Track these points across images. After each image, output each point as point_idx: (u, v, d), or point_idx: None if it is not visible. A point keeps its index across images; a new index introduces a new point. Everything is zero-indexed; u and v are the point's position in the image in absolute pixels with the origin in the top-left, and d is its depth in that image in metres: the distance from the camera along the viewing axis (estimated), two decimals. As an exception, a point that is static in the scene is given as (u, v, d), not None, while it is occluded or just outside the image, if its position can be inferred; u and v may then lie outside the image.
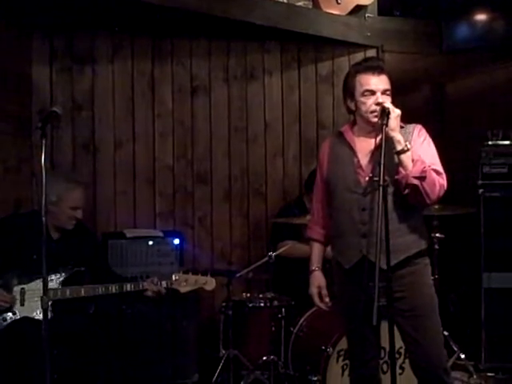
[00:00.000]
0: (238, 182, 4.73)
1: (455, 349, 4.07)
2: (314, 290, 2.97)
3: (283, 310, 3.88)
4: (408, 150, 2.66)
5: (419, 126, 2.83)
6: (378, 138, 2.66)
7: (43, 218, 2.69)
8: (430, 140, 2.81)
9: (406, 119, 2.81)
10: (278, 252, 3.91)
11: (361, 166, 2.79)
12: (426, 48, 5.09)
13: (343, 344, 3.19)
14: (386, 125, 2.62)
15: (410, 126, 2.82)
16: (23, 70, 4.21)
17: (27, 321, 3.21)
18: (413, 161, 2.66)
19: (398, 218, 2.73)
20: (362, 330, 2.78)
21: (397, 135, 2.66)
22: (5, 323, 3.21)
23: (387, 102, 2.72)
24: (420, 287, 2.79)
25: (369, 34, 4.86)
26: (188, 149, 4.61)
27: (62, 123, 4.23)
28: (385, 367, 3.31)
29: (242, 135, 4.74)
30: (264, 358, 3.77)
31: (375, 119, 2.70)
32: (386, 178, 2.56)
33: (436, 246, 4.13)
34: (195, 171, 4.63)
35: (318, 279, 2.97)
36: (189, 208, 4.61)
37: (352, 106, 2.81)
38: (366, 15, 4.86)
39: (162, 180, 4.55)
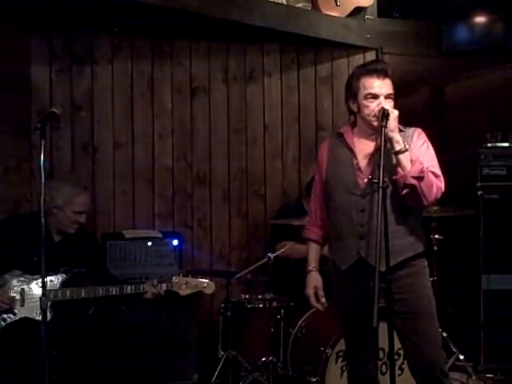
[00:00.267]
0: (237, 183, 4.73)
1: (454, 350, 4.08)
2: (310, 291, 2.97)
3: (282, 311, 3.88)
4: (406, 150, 2.67)
5: (419, 130, 2.84)
6: (378, 141, 2.66)
7: (42, 220, 2.69)
8: (430, 144, 2.82)
9: (406, 121, 2.82)
10: (276, 253, 3.91)
11: (360, 168, 2.79)
12: (426, 50, 5.09)
13: (342, 345, 3.18)
14: (385, 126, 2.63)
15: (410, 130, 2.83)
16: (22, 71, 4.21)
17: (27, 321, 3.21)
18: (411, 161, 2.67)
19: (395, 220, 2.73)
20: (360, 331, 2.78)
21: (396, 135, 2.67)
22: (4, 324, 3.21)
23: (388, 105, 2.71)
24: (418, 289, 2.79)
25: (368, 35, 4.87)
26: (187, 150, 4.62)
27: (61, 124, 4.23)
28: (384, 368, 3.32)
29: (241, 136, 4.75)
30: (263, 359, 3.77)
31: (376, 123, 2.70)
32: (385, 179, 2.57)
33: (435, 248, 4.14)
34: (194, 172, 4.63)
35: (314, 280, 2.97)
36: (188, 209, 4.61)
37: (354, 107, 2.81)
38: (366, 17, 4.87)
39: (161, 181, 4.55)
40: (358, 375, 2.90)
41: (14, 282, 3.25)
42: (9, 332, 3.20)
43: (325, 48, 4.88)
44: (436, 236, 4.15)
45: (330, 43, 4.78)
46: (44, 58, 4.28)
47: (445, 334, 3.95)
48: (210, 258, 4.62)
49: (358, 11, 4.81)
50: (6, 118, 4.05)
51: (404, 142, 2.68)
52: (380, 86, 2.73)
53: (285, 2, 4.56)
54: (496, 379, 4.20)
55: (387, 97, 2.73)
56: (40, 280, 2.78)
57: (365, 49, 4.92)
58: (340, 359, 3.52)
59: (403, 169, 2.66)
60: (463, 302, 4.59)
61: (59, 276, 3.28)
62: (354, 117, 2.87)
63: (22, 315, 3.23)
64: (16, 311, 3.23)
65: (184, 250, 4.25)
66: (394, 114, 2.68)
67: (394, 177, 2.68)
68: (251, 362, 3.82)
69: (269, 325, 3.80)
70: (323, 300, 2.95)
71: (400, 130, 2.75)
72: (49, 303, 2.98)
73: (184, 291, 3.38)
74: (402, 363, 3.40)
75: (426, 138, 2.82)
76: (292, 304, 3.93)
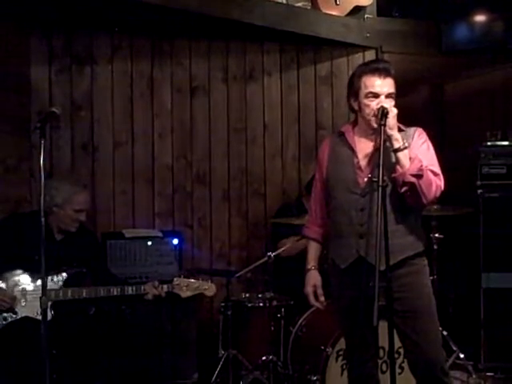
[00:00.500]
0: (236, 183, 4.73)
1: (454, 348, 4.07)
2: (309, 289, 2.97)
3: (282, 309, 3.88)
4: (406, 148, 2.67)
5: (420, 130, 2.84)
6: (378, 139, 2.66)
7: (42, 219, 2.70)
8: (430, 143, 2.82)
9: (406, 120, 2.82)
10: (276, 252, 3.91)
11: (360, 167, 2.79)
12: (426, 49, 5.10)
13: (342, 344, 3.19)
14: (385, 124, 2.63)
15: (411, 129, 2.83)
16: (22, 71, 4.20)
17: (28, 321, 3.22)
18: (410, 159, 2.67)
19: (395, 219, 2.73)
20: (360, 330, 2.78)
21: (395, 133, 2.67)
22: (5, 323, 3.21)
23: (388, 104, 2.71)
24: (418, 288, 2.79)
25: (368, 34, 4.87)
26: (187, 149, 4.62)
27: (61, 123, 4.23)
28: (384, 367, 3.32)
29: (241, 136, 4.75)
30: (263, 357, 3.78)
31: (376, 125, 2.69)
32: (385, 178, 2.57)
33: (435, 247, 4.14)
34: (194, 171, 4.63)
35: (313, 278, 2.98)
36: (188, 208, 4.61)
37: (355, 105, 2.82)
38: (365, 16, 4.87)
39: (161, 180, 4.55)
40: (358, 374, 2.90)
41: (16, 281, 3.26)
42: (10, 331, 3.20)
43: (324, 47, 4.89)
44: (436, 235, 4.15)
45: (330, 42, 4.78)
46: (44, 58, 4.28)
47: (445, 333, 3.95)
48: (210, 257, 4.62)
49: (358, 10, 4.81)
50: (6, 118, 4.05)
51: (403, 140, 2.68)
52: (381, 85, 2.73)
53: (284, 1, 4.56)
54: (496, 378, 4.20)
55: (388, 96, 2.73)
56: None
57: (364, 48, 4.92)
58: (340, 358, 3.52)
59: (402, 167, 2.66)
60: (463, 300, 4.59)
61: (60, 276, 3.29)
62: (356, 115, 2.87)
63: (23, 314, 3.23)
64: (17, 310, 3.23)
65: (184, 249, 4.25)
66: (393, 112, 2.68)
67: (393, 175, 2.68)
68: (251, 360, 3.82)
69: (269, 324, 3.80)
70: (322, 298, 2.96)
71: (401, 130, 2.75)
72: (49, 303, 2.99)
73: (185, 293, 3.38)
74: (403, 362, 3.40)
75: (427, 138, 2.82)
76: (292, 303, 3.93)
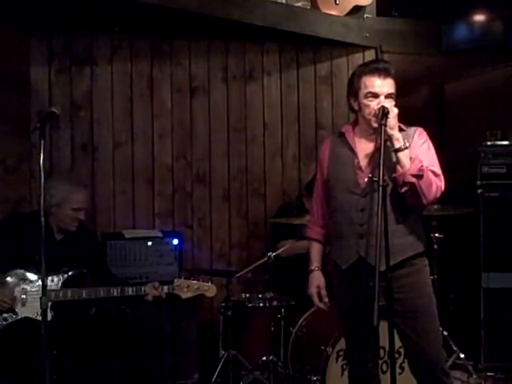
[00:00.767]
0: (236, 182, 4.73)
1: (455, 348, 4.08)
2: (313, 290, 2.97)
3: (282, 310, 3.88)
4: (406, 148, 2.67)
5: (420, 129, 2.84)
6: (378, 139, 2.66)
7: (42, 219, 2.70)
8: (431, 143, 2.81)
9: (406, 120, 2.82)
10: (277, 252, 3.91)
11: (360, 167, 2.79)
12: (425, 49, 5.10)
13: (343, 344, 3.18)
14: (385, 124, 2.63)
15: (411, 129, 2.83)
16: (22, 71, 4.20)
17: (28, 321, 3.21)
18: (411, 160, 2.67)
19: (395, 219, 2.73)
20: (360, 330, 2.78)
21: (396, 133, 2.67)
22: (6, 323, 3.21)
23: (388, 104, 2.71)
24: (418, 288, 2.79)
25: (367, 34, 4.87)
26: (187, 149, 4.61)
27: (60, 123, 4.23)
28: (384, 367, 3.32)
29: (240, 135, 4.75)
30: (263, 358, 3.78)
31: (376, 124, 2.69)
32: (385, 178, 2.57)
33: (435, 246, 4.14)
34: (194, 171, 4.63)
35: (317, 279, 2.97)
36: (188, 208, 4.61)
37: (355, 105, 2.82)
38: (365, 16, 4.87)
39: (161, 180, 4.55)
40: (358, 374, 2.90)
41: (16, 281, 3.25)
42: (10, 332, 3.20)
43: (324, 47, 4.89)
44: (436, 235, 4.15)
45: (330, 42, 4.78)
46: (43, 58, 4.27)
47: (445, 333, 3.95)
48: (210, 257, 4.62)
49: (357, 10, 4.81)
50: (6, 118, 4.05)
51: (404, 140, 2.68)
52: (381, 86, 2.72)
53: (284, 1, 4.56)
54: (496, 378, 4.20)
55: (388, 96, 2.72)
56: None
57: (364, 48, 4.93)
58: (340, 358, 3.52)
59: (402, 167, 2.66)
60: (463, 300, 4.59)
61: (60, 276, 3.28)
62: (356, 115, 2.87)
63: (24, 315, 3.23)
64: (17, 311, 3.23)
65: (184, 250, 4.25)
66: (394, 112, 2.68)
67: (394, 175, 2.68)
68: (252, 361, 3.82)
69: (269, 324, 3.80)
70: (326, 299, 2.96)
71: (401, 130, 2.75)
72: (50, 303, 2.98)
73: (185, 294, 3.38)
74: (403, 362, 3.40)
75: (428, 138, 2.82)
76: (292, 303, 3.93)
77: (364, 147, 2.81)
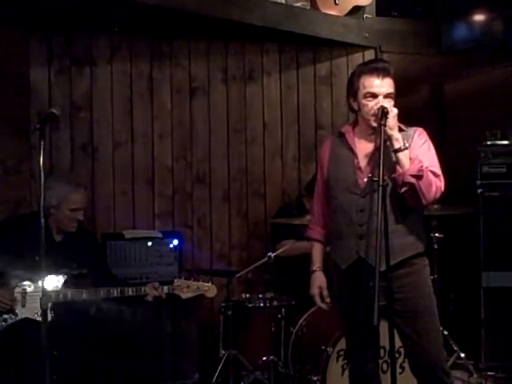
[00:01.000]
0: (236, 183, 4.73)
1: (455, 348, 4.08)
2: (315, 291, 2.97)
3: (283, 310, 3.88)
4: (406, 148, 2.67)
5: (420, 129, 2.84)
6: (378, 139, 2.66)
7: (42, 220, 2.70)
8: (431, 143, 2.81)
9: (405, 119, 2.82)
10: (277, 252, 3.91)
11: (360, 168, 2.79)
12: (425, 48, 5.09)
13: (343, 344, 3.19)
14: (385, 125, 2.63)
15: (411, 129, 2.83)
16: (22, 72, 4.20)
17: (28, 322, 3.21)
18: (410, 160, 2.67)
19: (395, 219, 2.73)
20: (360, 330, 2.78)
21: (395, 133, 2.67)
22: (5, 324, 3.21)
23: (387, 104, 2.71)
24: (419, 288, 2.79)
25: (367, 34, 4.87)
26: (187, 150, 4.61)
27: (60, 124, 4.22)
28: (385, 367, 3.32)
29: (240, 136, 4.75)
30: (264, 358, 3.78)
31: (375, 124, 2.70)
32: (385, 178, 2.57)
33: (435, 246, 4.14)
34: (194, 172, 4.62)
35: (319, 280, 2.98)
36: (188, 209, 4.60)
37: (355, 105, 2.82)
38: (364, 16, 4.87)
39: (160, 181, 4.54)
40: (359, 374, 2.90)
41: (16, 282, 3.25)
42: (10, 332, 3.20)
43: (324, 47, 4.88)
44: (436, 234, 4.15)
45: (329, 42, 4.78)
46: (43, 59, 4.27)
47: (446, 332, 3.95)
48: (210, 257, 4.62)
49: (357, 10, 4.81)
50: (6, 119, 4.05)
51: (404, 140, 2.68)
52: (379, 86, 2.72)
53: (284, 1, 4.56)
54: (497, 377, 4.20)
55: (387, 96, 2.72)
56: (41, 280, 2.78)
57: (364, 48, 4.92)
58: (341, 358, 3.52)
59: (402, 167, 2.66)
60: (464, 299, 4.59)
61: (60, 277, 3.28)
62: (356, 115, 2.87)
63: (24, 316, 3.23)
64: (17, 312, 3.23)
65: (184, 250, 4.25)
66: (394, 112, 2.68)
67: (393, 175, 2.68)
68: (252, 361, 3.82)
69: (269, 324, 3.80)
70: (328, 300, 2.96)
71: (401, 130, 2.75)
72: (49, 304, 2.98)
73: (185, 294, 3.38)
74: (403, 361, 3.40)
75: (428, 138, 2.82)
76: (293, 303, 3.93)
77: (364, 147, 2.81)
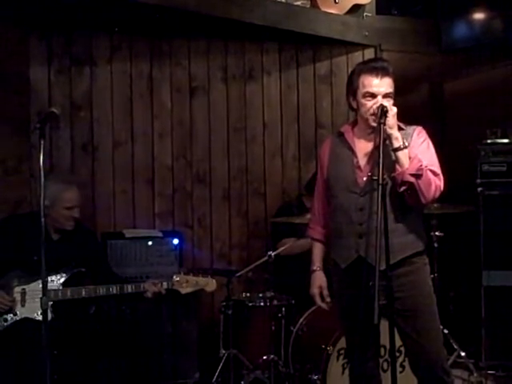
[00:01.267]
0: (236, 182, 4.73)
1: (455, 347, 4.08)
2: (315, 291, 2.98)
3: (283, 309, 3.88)
4: (405, 147, 2.67)
5: (419, 128, 2.84)
6: (377, 139, 2.65)
7: (42, 219, 2.70)
8: (430, 142, 2.81)
9: (405, 118, 2.82)
10: (277, 251, 3.91)
11: (359, 167, 2.79)
12: (425, 47, 5.09)
13: (343, 343, 3.19)
14: (384, 123, 2.63)
15: (411, 128, 2.82)
16: (21, 71, 4.20)
17: (28, 322, 3.21)
18: (410, 159, 2.66)
19: (395, 218, 2.73)
20: (360, 329, 2.78)
21: (395, 132, 2.67)
22: (5, 324, 3.21)
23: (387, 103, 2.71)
24: (418, 287, 2.79)
25: (367, 33, 4.87)
26: (187, 149, 4.61)
27: (60, 124, 4.22)
28: (385, 366, 3.32)
29: (240, 135, 4.75)
30: (264, 357, 3.77)
31: (374, 123, 2.69)
32: (385, 176, 2.57)
33: (435, 245, 4.14)
34: (194, 171, 4.62)
35: (319, 279, 2.98)
36: (188, 208, 4.60)
37: (354, 104, 2.82)
38: (364, 14, 4.87)
39: (161, 180, 4.55)
40: (359, 373, 2.91)
41: (15, 282, 3.25)
42: (10, 332, 3.20)
43: (323, 46, 4.88)
44: (436, 233, 4.15)
45: (329, 41, 4.78)
46: (43, 59, 4.27)
47: (446, 331, 3.95)
48: (210, 256, 4.62)
49: (357, 8, 4.81)
50: (5, 119, 4.05)
51: (403, 139, 2.68)
52: (378, 85, 2.72)
53: (283, 0, 4.56)
54: (497, 376, 4.20)
55: (385, 96, 2.72)
56: (40, 280, 2.78)
57: (363, 46, 4.92)
58: (341, 357, 3.52)
59: (401, 166, 2.66)
60: (464, 298, 4.59)
61: (60, 276, 3.28)
62: (355, 113, 2.87)
63: (23, 315, 3.23)
64: (17, 312, 3.23)
65: (184, 249, 4.25)
66: (393, 110, 2.68)
67: (393, 174, 2.68)
68: (252, 360, 3.82)
69: (270, 323, 3.80)
70: (328, 299, 2.97)
71: (400, 128, 2.75)
72: (49, 303, 2.98)
73: (185, 289, 3.38)
74: (404, 360, 3.40)
75: (427, 137, 2.82)
76: (293, 302, 3.93)
77: (363, 146, 2.81)
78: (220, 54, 4.69)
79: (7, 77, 4.08)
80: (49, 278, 3.19)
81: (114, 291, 3.29)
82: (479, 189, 4.31)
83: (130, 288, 3.32)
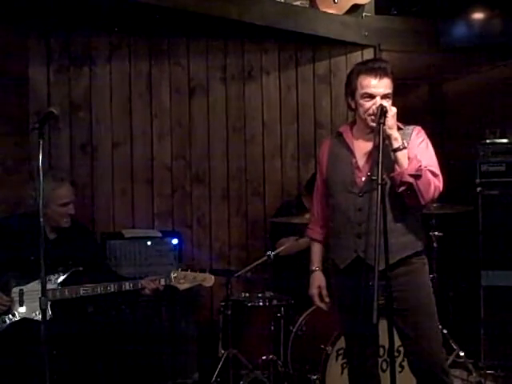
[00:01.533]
0: (236, 182, 4.73)
1: (454, 347, 4.08)
2: (314, 291, 2.98)
3: (282, 309, 3.88)
4: (404, 148, 2.67)
5: (418, 128, 2.83)
6: (376, 139, 2.65)
7: (41, 219, 2.70)
8: (429, 142, 2.81)
9: (404, 118, 2.82)
10: (276, 251, 3.91)
11: (358, 167, 2.79)
12: (424, 47, 5.09)
13: (342, 343, 3.19)
14: (384, 124, 2.62)
15: (410, 128, 2.82)
16: (20, 71, 4.19)
17: (26, 322, 3.21)
18: (409, 159, 2.66)
19: (394, 218, 2.73)
20: (359, 329, 2.78)
21: (394, 133, 2.67)
22: (4, 325, 3.21)
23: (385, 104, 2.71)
24: (417, 287, 2.79)
25: (366, 33, 4.87)
26: (186, 149, 4.61)
27: (59, 124, 4.22)
28: (384, 365, 3.32)
29: (239, 135, 4.74)
30: (263, 357, 3.77)
31: (373, 124, 2.69)
32: (384, 177, 2.57)
33: (435, 245, 4.14)
34: (193, 171, 4.62)
35: (318, 280, 2.98)
36: (187, 208, 4.60)
37: (352, 104, 2.82)
38: (363, 14, 4.87)
39: (160, 180, 4.54)
40: (358, 373, 2.91)
41: (13, 283, 3.25)
42: (9, 333, 3.20)
43: (323, 46, 4.88)
44: (435, 233, 4.15)
45: (328, 41, 4.78)
46: (42, 58, 4.26)
47: (445, 331, 3.96)
48: (209, 256, 4.61)
49: (356, 8, 4.81)
50: (5, 119, 4.04)
51: (402, 139, 2.68)
52: (376, 86, 2.71)
53: (283, 0, 4.56)
54: (496, 375, 4.21)
55: (384, 96, 2.72)
56: (38, 280, 2.78)
57: (363, 46, 4.92)
58: (340, 357, 3.52)
59: (400, 166, 2.66)
60: (463, 298, 4.59)
61: (57, 275, 3.28)
62: (354, 113, 2.87)
63: (22, 316, 3.23)
64: (15, 312, 3.23)
65: (184, 249, 4.25)
66: (392, 111, 2.68)
67: (391, 174, 2.68)
68: (252, 360, 3.82)
69: (269, 323, 3.80)
70: (327, 299, 2.97)
71: (399, 128, 2.75)
72: (48, 303, 2.98)
73: (183, 285, 3.37)
74: (403, 360, 3.40)
75: (426, 137, 2.82)
76: (292, 302, 3.92)
77: (362, 147, 2.81)
78: (219, 53, 4.68)
79: (6, 76, 4.08)
80: (46, 278, 3.18)
81: (112, 289, 3.29)
82: (478, 189, 4.32)
83: (127, 285, 3.31)
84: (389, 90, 2.73)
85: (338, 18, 4.73)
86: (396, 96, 2.79)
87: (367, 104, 2.72)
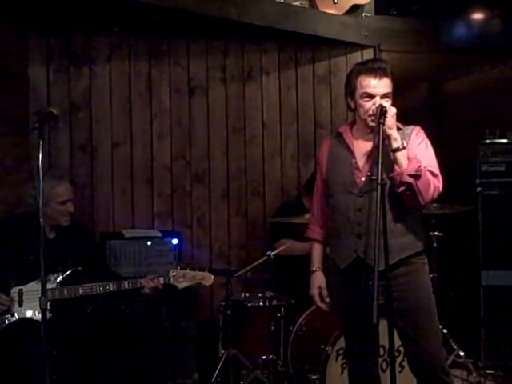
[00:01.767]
0: (235, 182, 4.73)
1: (454, 347, 4.07)
2: (314, 291, 2.98)
3: (282, 309, 3.87)
4: (404, 148, 2.67)
5: (418, 128, 2.83)
6: (376, 139, 2.65)
7: (41, 219, 2.70)
8: (428, 142, 2.81)
9: (404, 118, 2.82)
10: (276, 251, 3.91)
11: (358, 167, 2.79)
12: (424, 47, 5.09)
13: (342, 343, 3.19)
14: (383, 124, 2.62)
15: (409, 128, 2.82)
16: (20, 71, 4.19)
17: (26, 322, 3.21)
18: (408, 159, 2.66)
19: (393, 219, 2.73)
20: (359, 329, 2.77)
21: (394, 133, 2.67)
22: (3, 325, 3.20)
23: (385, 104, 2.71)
24: (417, 287, 2.79)
25: (366, 33, 4.87)
26: (186, 149, 4.61)
27: (59, 124, 4.22)
28: (384, 365, 3.32)
29: (239, 135, 4.75)
30: (263, 357, 3.77)
31: (372, 124, 2.69)
32: (384, 177, 2.57)
33: (435, 245, 4.14)
34: (193, 171, 4.62)
35: (318, 280, 2.98)
36: (187, 208, 4.60)
37: (352, 104, 2.82)
38: (363, 14, 4.87)
39: (159, 180, 4.54)
40: (358, 373, 2.90)
41: (12, 283, 3.25)
42: (8, 333, 3.19)
43: (322, 46, 4.88)
44: (435, 233, 4.15)
45: (328, 41, 4.78)
46: (42, 58, 4.26)
47: (445, 331, 3.96)
48: (209, 256, 4.61)
49: (356, 8, 4.81)
50: (4, 119, 4.04)
51: (402, 139, 2.68)
52: (376, 86, 2.71)
53: (282, 0, 4.56)
54: (496, 375, 4.21)
55: (383, 96, 2.72)
56: (37, 280, 2.78)
57: (362, 46, 4.92)
58: (340, 357, 3.52)
59: (400, 166, 2.66)
60: (463, 298, 4.59)
61: (56, 275, 3.27)
62: (354, 113, 2.87)
63: (21, 316, 3.22)
64: (15, 312, 3.23)
65: (183, 249, 4.25)
66: (392, 111, 2.68)
67: (391, 174, 2.68)
68: (252, 360, 3.82)
69: (269, 323, 3.80)
70: (328, 300, 2.97)
71: (399, 129, 2.75)
72: (48, 303, 2.98)
73: (182, 284, 3.37)
74: (403, 360, 3.40)
75: (425, 137, 2.81)
76: (292, 302, 3.92)
77: (361, 147, 2.81)
78: (219, 54, 4.69)
79: (6, 76, 4.08)
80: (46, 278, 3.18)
81: (111, 288, 3.28)
82: (478, 189, 4.32)
83: (127, 284, 3.31)
84: (388, 90, 2.73)
85: (337, 19, 4.73)
86: (396, 96, 2.79)
87: (367, 104, 2.72)
